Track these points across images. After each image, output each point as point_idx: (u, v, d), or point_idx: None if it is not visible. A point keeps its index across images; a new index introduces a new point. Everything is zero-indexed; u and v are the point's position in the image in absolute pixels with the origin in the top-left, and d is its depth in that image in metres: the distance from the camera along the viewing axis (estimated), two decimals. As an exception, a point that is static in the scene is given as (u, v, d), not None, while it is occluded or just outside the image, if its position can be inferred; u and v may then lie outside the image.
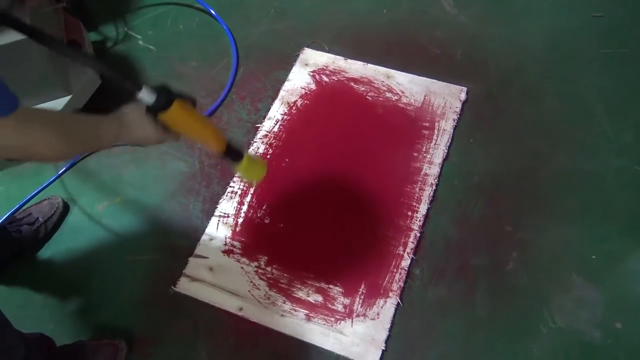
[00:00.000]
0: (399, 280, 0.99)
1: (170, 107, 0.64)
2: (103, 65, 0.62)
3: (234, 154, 0.79)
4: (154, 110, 0.64)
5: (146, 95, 0.63)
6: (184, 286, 1.01)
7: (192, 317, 0.98)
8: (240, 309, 0.98)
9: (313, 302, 0.98)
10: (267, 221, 1.07)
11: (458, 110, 1.20)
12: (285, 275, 1.01)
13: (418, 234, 1.03)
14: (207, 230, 1.07)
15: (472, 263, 1.01)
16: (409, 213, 1.06)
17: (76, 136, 0.60)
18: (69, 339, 0.96)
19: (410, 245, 1.02)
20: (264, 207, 1.09)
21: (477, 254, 1.02)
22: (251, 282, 1.01)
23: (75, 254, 1.07)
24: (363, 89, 1.24)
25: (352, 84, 1.25)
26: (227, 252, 1.04)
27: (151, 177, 1.16)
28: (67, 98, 1.13)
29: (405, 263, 1.01)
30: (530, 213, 1.06)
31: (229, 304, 0.98)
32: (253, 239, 1.06)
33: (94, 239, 1.09)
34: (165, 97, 0.64)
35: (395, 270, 1.00)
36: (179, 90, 0.65)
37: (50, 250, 1.08)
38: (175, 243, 1.07)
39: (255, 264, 1.02)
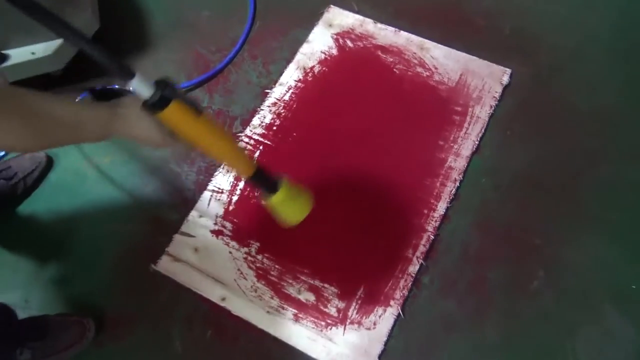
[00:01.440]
0: (404, 288, 0.87)
1: (166, 107, 0.51)
2: (81, 39, 0.47)
3: (264, 181, 0.63)
4: (149, 108, 0.52)
5: (140, 86, 0.50)
6: (165, 266, 0.91)
7: (170, 301, 0.89)
8: (223, 299, 0.88)
9: (304, 301, 0.87)
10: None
11: (497, 95, 1.03)
12: (276, 266, 0.90)
13: (432, 237, 0.90)
14: (198, 206, 0.96)
15: (489, 277, 0.88)
16: (425, 211, 0.93)
17: (47, 126, 0.50)
18: (37, 309, 0.89)
19: (421, 249, 0.90)
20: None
21: (498, 267, 0.89)
22: (238, 270, 0.90)
23: (54, 215, 0.98)
24: (391, 59, 1.08)
25: (379, 52, 1.09)
26: (217, 232, 0.93)
27: (144, 139, 1.05)
28: (58, 42, 1.01)
29: (413, 269, 0.88)
30: (565, 226, 0.92)
31: (212, 291, 0.89)
32: (246, 221, 0.94)
33: (76, 201, 0.99)
34: (161, 93, 0.51)
35: (400, 276, 0.88)
36: (181, 93, 0.53)
37: (28, 209, 0.99)
38: (163, 216, 0.97)
39: (246, 249, 0.92)
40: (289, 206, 0.67)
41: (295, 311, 0.87)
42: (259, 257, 0.91)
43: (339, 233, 0.92)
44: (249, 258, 0.91)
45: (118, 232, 0.96)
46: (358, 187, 0.96)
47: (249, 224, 0.94)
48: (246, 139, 1.01)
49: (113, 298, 0.90)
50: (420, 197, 0.94)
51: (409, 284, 0.87)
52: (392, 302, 0.86)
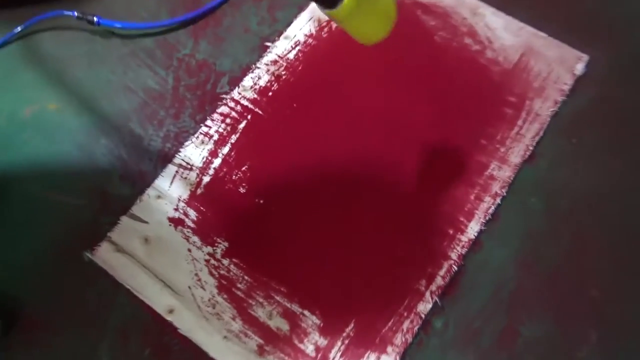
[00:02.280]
0: (408, 331, 0.65)
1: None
2: None
3: None
4: None
5: None
6: (103, 255, 0.70)
7: (104, 303, 0.69)
8: (171, 311, 0.67)
9: (274, 329, 0.66)
10: (242, 190, 0.73)
11: (566, 88, 0.78)
12: (245, 278, 0.68)
13: (455, 267, 0.68)
14: (158, 183, 0.74)
15: (524, 333, 0.66)
16: (450, 231, 0.70)
17: None
18: None
19: (438, 282, 0.67)
20: (243, 169, 0.74)
21: (536, 319, 0.66)
22: (196, 275, 0.69)
23: (-24, 169, 0.77)
24: (433, 23, 0.83)
25: (419, 12, 0.84)
26: (176, 221, 0.72)
27: (103, 85, 0.82)
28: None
29: (424, 307, 0.66)
30: (634, 276, 0.69)
31: (158, 299, 0.68)
32: (216, 211, 0.72)
33: (8, 155, 0.78)
34: None
35: (405, 314, 0.66)
36: None
37: (-56, 158, 0.78)
38: (111, 189, 0.75)
39: (210, 249, 0.70)
40: (364, 15, 0.50)
41: (261, 341, 0.66)
42: (225, 262, 0.69)
43: (333, 245, 0.70)
44: (212, 261, 0.69)
45: (53, 202, 0.74)
46: (365, 188, 0.73)
47: (218, 216, 0.72)
48: (232, 104, 0.78)
49: (34, 290, 0.70)
50: (445, 211, 0.71)
51: (416, 327, 0.65)
52: (389, 349, 0.65)
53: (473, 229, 0.70)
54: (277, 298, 0.68)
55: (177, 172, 0.75)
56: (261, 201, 0.72)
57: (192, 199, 0.73)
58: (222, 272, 0.69)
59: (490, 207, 0.71)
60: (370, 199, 0.72)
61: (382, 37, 0.57)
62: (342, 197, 0.72)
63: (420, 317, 0.66)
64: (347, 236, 0.70)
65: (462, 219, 0.71)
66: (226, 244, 0.70)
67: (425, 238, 0.70)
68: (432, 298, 0.67)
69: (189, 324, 0.66)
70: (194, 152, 0.76)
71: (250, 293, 0.68)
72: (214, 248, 0.70)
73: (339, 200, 0.72)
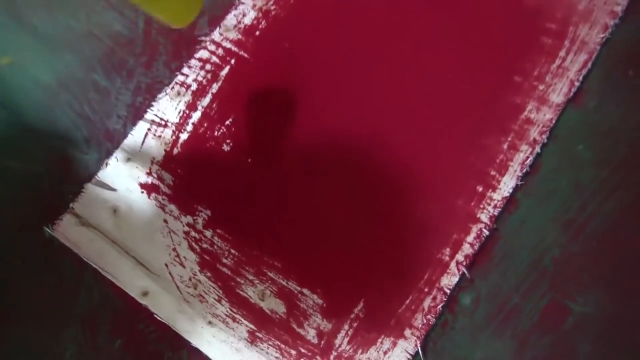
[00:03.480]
0: (430, 311, 0.54)
1: None
2: None
3: None
4: None
5: None
6: (66, 230, 0.59)
7: (68, 287, 0.58)
8: (145, 294, 0.56)
9: (268, 312, 0.55)
10: (227, 148, 0.61)
11: (619, 9, 0.63)
12: (232, 252, 0.57)
13: (486, 231, 0.56)
14: (127, 143, 0.63)
15: (574, 309, 0.54)
16: (479, 188, 0.57)
17: None
18: None
19: (466, 250, 0.55)
20: (227, 123, 0.62)
21: (587, 293, 0.54)
22: (174, 250, 0.58)
23: None
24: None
25: None
26: (149, 188, 0.60)
27: (63, 33, 0.69)
28: None
29: (449, 280, 0.54)
30: None
31: (130, 279, 0.57)
32: (197, 174, 0.61)
33: (-44, 118, 0.67)
34: None
35: (426, 290, 0.54)
36: None
37: None
38: (74, 153, 0.63)
39: (189, 219, 0.59)
40: None
41: (253, 327, 0.55)
42: (208, 233, 0.58)
43: (336, 211, 0.58)
44: (193, 233, 0.58)
45: (7, 170, 0.63)
46: (374, 142, 0.60)
47: (199, 180, 0.60)
48: (212, 47, 0.65)
49: (-13, 271, 0.60)
50: (473, 165, 0.58)
51: (439, 306, 0.54)
52: (407, 332, 0.53)
53: (507, 184, 0.57)
54: (271, 275, 0.56)
55: (149, 129, 0.63)
56: (249, 160, 0.60)
57: (168, 161, 0.61)
58: (204, 245, 0.58)
59: (527, 157, 0.58)
60: (380, 155, 0.59)
61: (190, 18, 0.45)
62: (347, 153, 0.60)
63: (445, 293, 0.54)
64: (353, 199, 0.58)
65: (493, 173, 0.58)
66: (209, 212, 0.59)
67: (448, 198, 0.57)
68: (458, 270, 0.55)
69: (167, 309, 0.56)
70: (168, 105, 0.64)
71: (238, 270, 0.57)
72: (195, 217, 0.59)
73: (343, 156, 0.60)
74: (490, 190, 0.57)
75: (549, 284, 0.54)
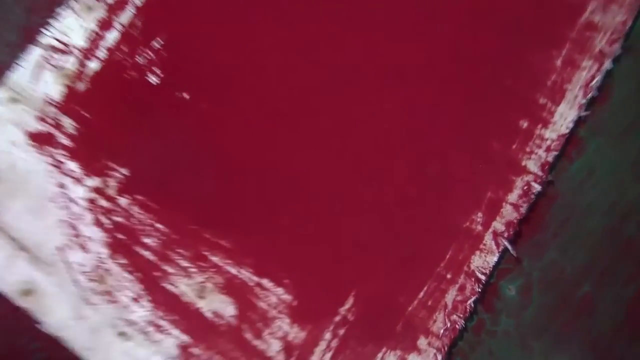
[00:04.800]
0: (456, 308, 0.35)
1: None
2: None
3: None
4: None
5: None
6: None
7: None
8: (28, 293, 0.38)
9: (209, 315, 0.36)
10: (154, 79, 0.42)
11: None
12: (158, 227, 0.38)
13: (537, 186, 0.37)
14: (13, 77, 0.43)
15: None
16: (524, 123, 0.38)
17: None
18: None
19: (508, 214, 0.37)
20: (156, 45, 0.43)
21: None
22: (72, 226, 0.39)
23: None
24: None
25: None
26: (41, 138, 0.41)
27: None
28: None
29: (483, 261, 0.36)
30: None
31: (5, 271, 0.38)
32: (110, 117, 0.42)
33: None
34: None
35: (449, 277, 0.36)
36: None
37: None
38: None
39: (97, 182, 0.40)
40: None
41: (187, 339, 0.36)
42: (123, 201, 0.39)
43: (311, 165, 0.39)
44: (101, 201, 0.39)
45: None
46: (370, 57, 0.41)
47: (113, 126, 0.41)
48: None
49: None
50: (510, 88, 0.39)
51: (470, 300, 0.35)
52: (422, 341, 0.35)
53: (565, 117, 0.38)
54: (214, 260, 0.37)
55: (45, 58, 0.44)
56: (186, 96, 0.42)
57: (70, 100, 0.42)
58: (117, 218, 0.39)
59: (592, 77, 0.39)
60: (377, 78, 0.40)
61: None
62: (328, 78, 0.41)
63: (478, 281, 0.36)
64: (336, 143, 0.39)
65: (543, 100, 0.39)
66: (125, 171, 0.40)
67: (478, 139, 0.38)
68: (497, 244, 0.36)
69: (59, 314, 0.37)
70: (74, 23, 0.45)
71: (166, 253, 0.38)
72: (105, 179, 0.40)
73: (320, 85, 0.41)
74: (539, 126, 0.38)
75: (636, 264, 0.36)
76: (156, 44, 0.43)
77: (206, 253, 0.38)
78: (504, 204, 0.37)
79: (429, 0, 0.41)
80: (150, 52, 0.43)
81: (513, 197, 0.37)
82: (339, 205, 0.38)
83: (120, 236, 0.38)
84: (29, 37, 0.45)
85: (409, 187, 0.37)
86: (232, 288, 0.37)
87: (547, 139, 0.38)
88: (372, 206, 0.37)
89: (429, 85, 0.40)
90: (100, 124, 0.42)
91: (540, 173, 0.37)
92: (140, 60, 0.43)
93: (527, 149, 0.38)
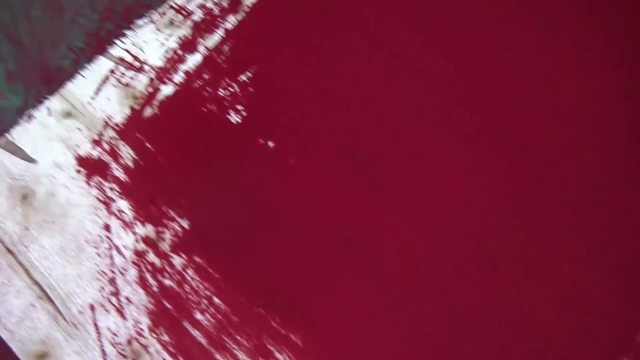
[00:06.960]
0: None
1: None
2: None
3: None
4: None
5: None
6: None
7: None
8: (43, 356, 0.30)
9: None
10: (236, 118, 0.36)
11: None
12: (217, 302, 0.31)
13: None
14: (73, 88, 0.37)
15: None
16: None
17: None
18: None
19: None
20: (243, 77, 0.37)
21: None
22: (111, 282, 0.32)
23: None
24: None
25: None
26: (92, 166, 0.35)
27: None
28: None
29: None
30: None
31: (24, 323, 0.31)
32: (177, 153, 0.35)
33: None
34: None
35: None
36: None
37: None
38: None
39: (150, 231, 0.33)
40: None
41: None
42: (178, 261, 0.32)
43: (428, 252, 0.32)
44: (150, 257, 0.32)
45: None
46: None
47: (181, 166, 0.35)
48: (201, 12, 0.40)
49: None
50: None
51: None
52: None
53: None
54: (279, 357, 0.30)
55: (113, 71, 0.37)
56: (271, 144, 0.35)
57: (133, 125, 0.36)
58: (167, 281, 0.32)
59: None
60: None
61: None
62: (429, 137, 0.34)
63: None
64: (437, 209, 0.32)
65: None
66: (184, 222, 0.33)
67: None
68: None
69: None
70: (152, 38, 0.39)
71: (221, 338, 0.30)
72: (160, 229, 0.33)
73: (425, 145, 0.34)
74: None
75: None
76: (244, 76, 0.37)
77: (270, 345, 0.30)
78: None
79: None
80: (235, 85, 0.37)
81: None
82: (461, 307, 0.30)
83: (167, 305, 0.31)
84: (97, 45, 0.40)
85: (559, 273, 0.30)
86: (298, 401, 0.29)
87: None
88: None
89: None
90: (163, 160, 0.35)
91: None
92: (222, 92, 0.36)
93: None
